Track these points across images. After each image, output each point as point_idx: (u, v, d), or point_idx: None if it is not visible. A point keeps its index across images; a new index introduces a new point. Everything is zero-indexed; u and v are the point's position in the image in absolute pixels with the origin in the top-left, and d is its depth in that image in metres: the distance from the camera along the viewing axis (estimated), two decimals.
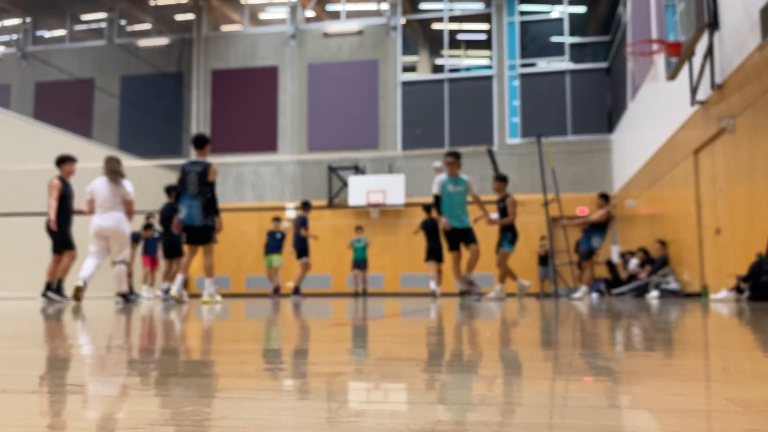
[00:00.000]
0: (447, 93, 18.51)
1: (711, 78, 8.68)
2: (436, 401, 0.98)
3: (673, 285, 10.90)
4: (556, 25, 18.48)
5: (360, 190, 17.54)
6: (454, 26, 19.08)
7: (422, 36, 19.51)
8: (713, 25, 8.42)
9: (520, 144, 17.85)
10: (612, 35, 17.36)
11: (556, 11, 18.49)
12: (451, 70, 18.84)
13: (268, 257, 13.63)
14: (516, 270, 11.60)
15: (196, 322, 3.61)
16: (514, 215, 9.51)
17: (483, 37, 18.86)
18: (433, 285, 11.87)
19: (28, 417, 0.86)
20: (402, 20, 19.10)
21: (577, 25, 18.47)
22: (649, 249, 12.27)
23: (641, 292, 11.38)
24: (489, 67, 18.60)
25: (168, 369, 1.42)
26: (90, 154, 13.08)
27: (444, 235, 8.99)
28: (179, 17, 20.70)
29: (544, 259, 15.44)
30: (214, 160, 8.16)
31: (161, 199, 16.39)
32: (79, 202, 8.65)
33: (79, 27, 21.06)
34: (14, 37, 20.80)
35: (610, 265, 13.41)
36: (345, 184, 17.98)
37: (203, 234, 7.79)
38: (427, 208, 12.80)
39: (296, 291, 13.08)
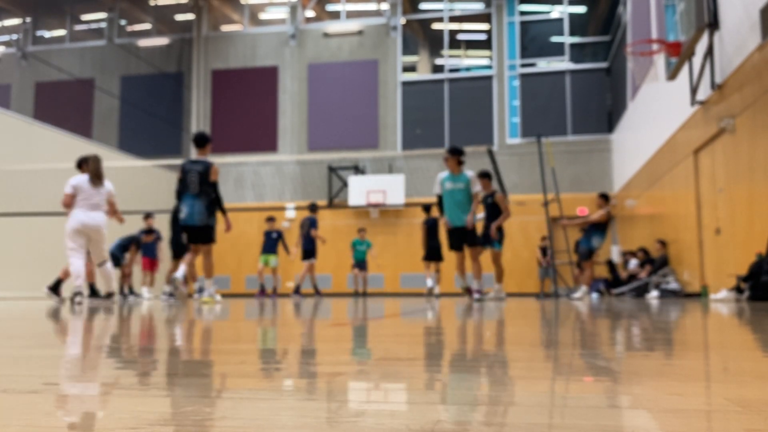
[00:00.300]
0: (447, 93, 18.52)
1: (711, 78, 8.68)
2: (436, 401, 0.98)
3: (673, 285, 10.90)
4: (556, 25, 18.48)
5: (360, 190, 17.54)
6: (454, 26, 19.08)
7: (422, 36, 19.51)
8: (713, 25, 8.42)
9: (520, 144, 17.85)
10: (612, 35, 17.36)
11: (556, 11, 18.49)
12: (451, 70, 18.84)
13: (264, 257, 13.66)
14: (516, 270, 11.59)
15: (196, 322, 3.61)
16: (508, 210, 9.46)
17: (483, 37, 18.86)
18: (430, 282, 11.81)
19: (28, 417, 0.86)
20: (402, 20, 19.10)
21: (577, 25, 18.47)
22: (649, 249, 12.27)
23: (641, 292, 11.38)
24: (489, 67, 18.60)
25: (168, 369, 1.42)
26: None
27: (446, 234, 8.94)
28: (179, 17, 20.70)
29: (543, 252, 15.55)
30: (214, 160, 8.14)
31: (161, 199, 16.45)
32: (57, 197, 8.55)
33: (79, 27, 21.05)
34: (14, 37, 20.79)
35: (610, 264, 13.42)
36: (345, 184, 17.98)
37: (203, 234, 7.79)
38: (426, 208, 12.80)
39: (296, 290, 13.10)
